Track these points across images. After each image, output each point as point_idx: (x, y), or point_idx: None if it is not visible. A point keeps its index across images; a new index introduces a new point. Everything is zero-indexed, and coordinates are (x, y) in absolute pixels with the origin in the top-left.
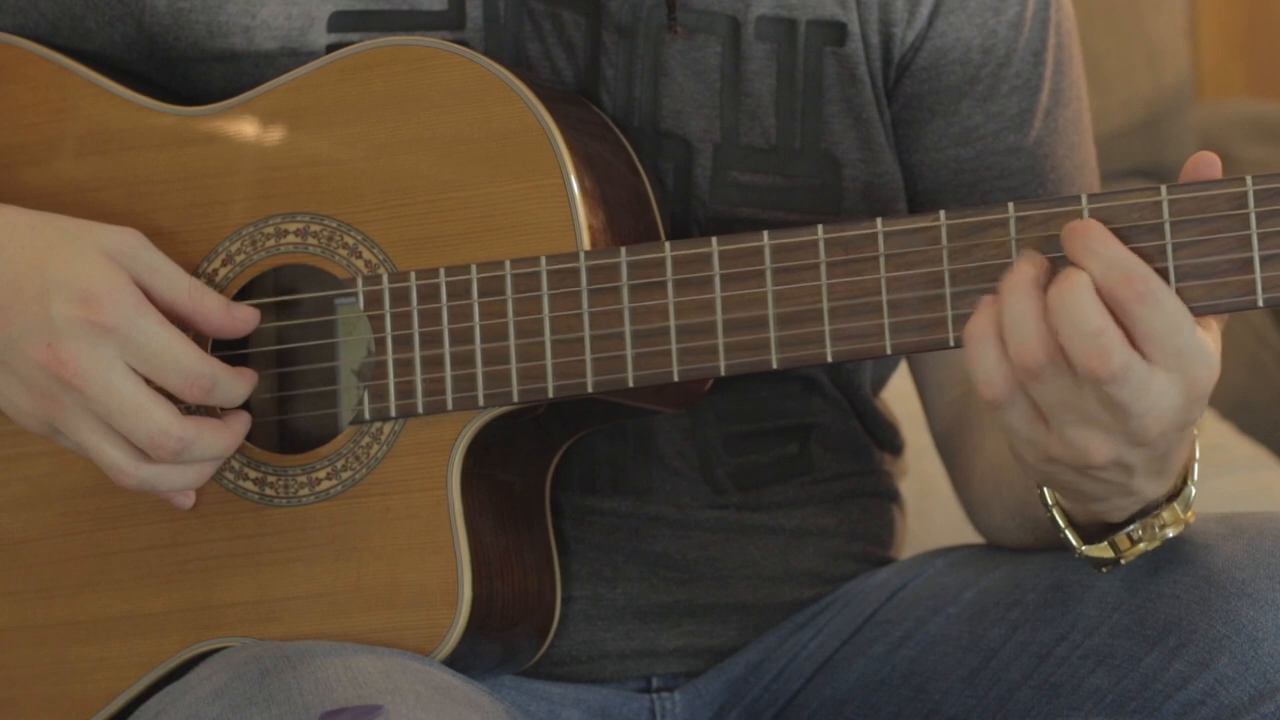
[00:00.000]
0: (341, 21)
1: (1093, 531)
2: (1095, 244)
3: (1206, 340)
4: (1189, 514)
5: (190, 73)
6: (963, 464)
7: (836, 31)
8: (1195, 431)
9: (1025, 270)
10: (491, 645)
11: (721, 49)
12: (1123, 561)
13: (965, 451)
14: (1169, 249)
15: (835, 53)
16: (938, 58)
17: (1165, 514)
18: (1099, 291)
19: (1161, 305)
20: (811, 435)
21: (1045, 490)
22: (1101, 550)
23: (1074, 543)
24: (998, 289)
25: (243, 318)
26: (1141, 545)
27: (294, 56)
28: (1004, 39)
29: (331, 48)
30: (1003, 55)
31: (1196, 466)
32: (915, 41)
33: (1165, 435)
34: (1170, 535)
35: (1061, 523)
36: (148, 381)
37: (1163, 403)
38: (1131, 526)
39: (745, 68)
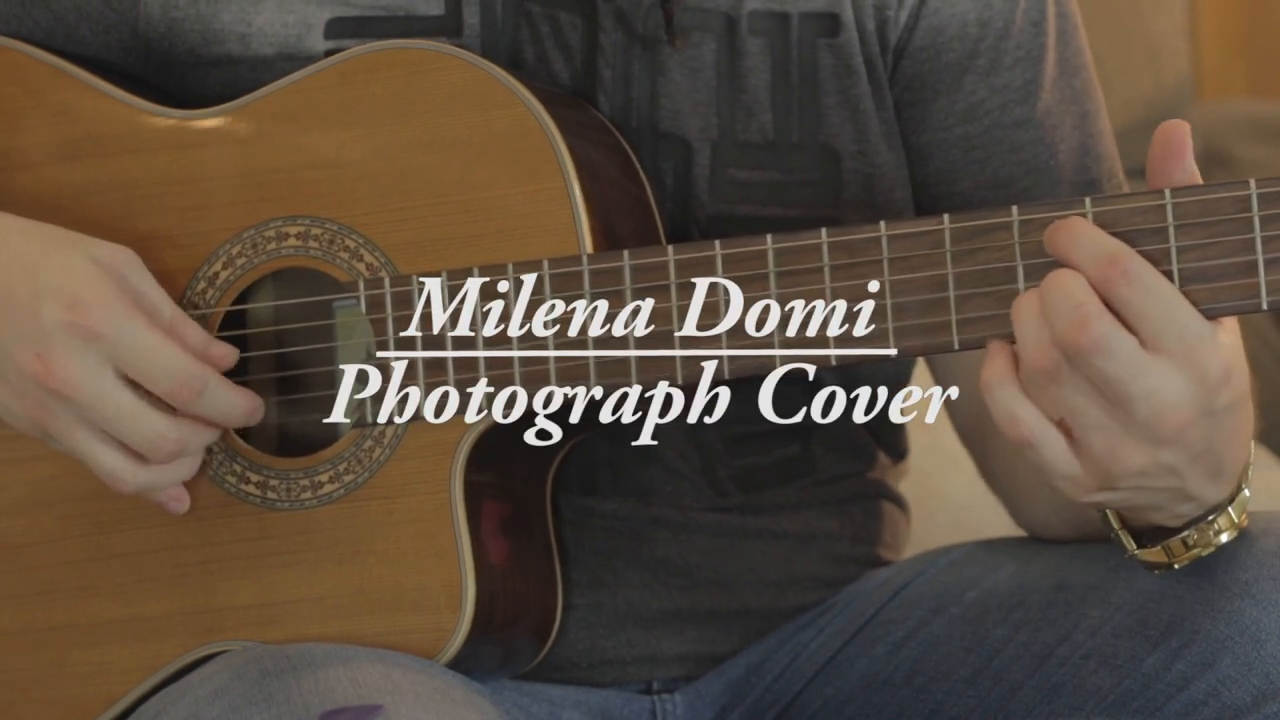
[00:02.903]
0: (338, 28)
1: (1146, 533)
2: (1078, 234)
3: (1210, 326)
4: (1243, 518)
5: (187, 77)
6: (997, 456)
7: (829, 23)
8: (1252, 429)
9: (1029, 294)
10: (492, 648)
11: (717, 46)
12: (1176, 566)
13: (1000, 443)
14: (1173, 252)
15: (829, 44)
16: (934, 35)
17: (1221, 520)
18: (1089, 282)
19: (1149, 286)
20: (813, 436)
21: None
22: (1155, 555)
23: (1128, 546)
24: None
25: (219, 355)
26: (1196, 550)
27: (291, 61)
28: (1000, 10)
29: (329, 53)
30: (1001, 27)
31: (1251, 470)
32: (909, 21)
33: (1191, 428)
34: (1225, 540)
35: (1115, 525)
36: (138, 386)
37: (1169, 388)
38: (1186, 532)
39: (741, 64)
